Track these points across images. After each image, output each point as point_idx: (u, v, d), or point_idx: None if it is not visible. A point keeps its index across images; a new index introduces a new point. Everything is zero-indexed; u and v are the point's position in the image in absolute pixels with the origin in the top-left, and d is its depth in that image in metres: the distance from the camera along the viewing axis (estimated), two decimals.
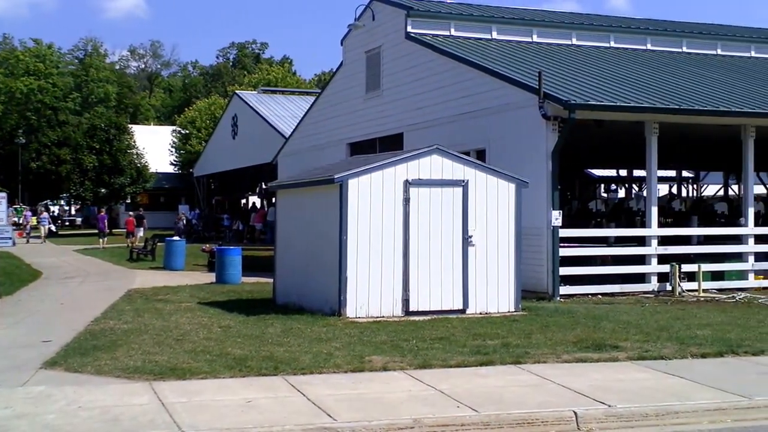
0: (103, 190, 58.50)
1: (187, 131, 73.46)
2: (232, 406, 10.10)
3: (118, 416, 9.67)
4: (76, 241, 52.44)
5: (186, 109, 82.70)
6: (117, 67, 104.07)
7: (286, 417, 9.65)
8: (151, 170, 62.90)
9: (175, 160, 74.10)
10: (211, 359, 12.73)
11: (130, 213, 51.87)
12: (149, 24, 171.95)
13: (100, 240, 46.90)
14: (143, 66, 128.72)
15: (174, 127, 78.18)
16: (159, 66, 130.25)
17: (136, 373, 11.79)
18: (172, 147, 74.37)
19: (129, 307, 19.71)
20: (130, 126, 65.38)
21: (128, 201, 64.88)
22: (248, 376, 11.68)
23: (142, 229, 46.26)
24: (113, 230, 61.06)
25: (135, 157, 60.07)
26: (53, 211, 65.85)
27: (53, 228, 58.33)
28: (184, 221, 50.99)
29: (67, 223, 70.89)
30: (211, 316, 17.91)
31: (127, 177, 58.48)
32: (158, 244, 36.89)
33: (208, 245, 36.51)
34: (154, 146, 68.84)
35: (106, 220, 49.27)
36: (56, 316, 18.81)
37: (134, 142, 61.03)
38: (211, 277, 27.32)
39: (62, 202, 74.16)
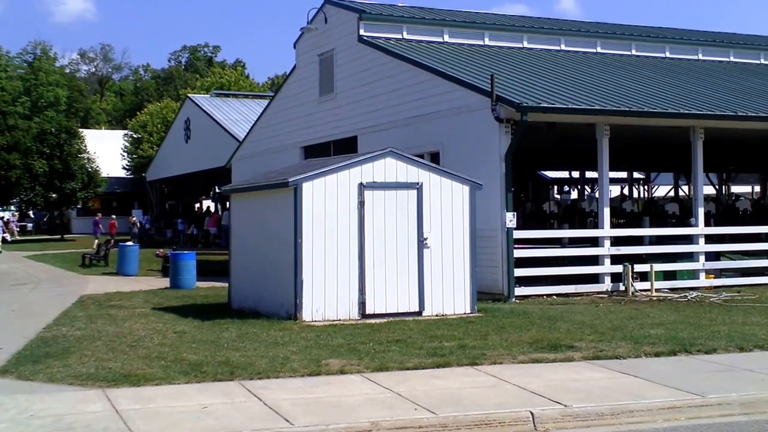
0: (54, 195, 57.72)
1: (139, 135, 72.84)
2: (187, 412, 10.01)
3: (71, 424, 9.54)
4: (28, 247, 51.65)
5: (138, 113, 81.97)
6: (67, 70, 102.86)
7: (243, 422, 9.59)
8: (102, 175, 62.22)
9: (127, 165, 73.44)
10: (165, 365, 12.61)
11: (113, 216, 51.68)
12: (99, 27, 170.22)
13: (95, 241, 46.88)
14: (94, 69, 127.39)
15: (126, 131, 77.47)
16: (110, 69, 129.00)
17: (90, 380, 11.64)
18: (123, 151, 73.69)
19: (82, 313, 19.47)
20: (80, 130, 64.58)
21: (80, 206, 64.08)
22: (204, 382, 11.59)
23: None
24: (64, 236, 60.39)
25: (86, 161, 59.35)
26: (3, 217, 64.65)
27: (8, 237, 57.52)
28: (138, 226, 50.58)
29: (17, 230, 69.80)
30: (166, 321, 17.74)
31: (78, 182, 57.75)
32: (111, 249, 36.53)
33: (161, 250, 36.22)
34: (106, 150, 68.17)
35: (100, 224, 49.31)
36: (7, 323, 18.51)
37: (85, 146, 60.33)
38: (165, 282, 27.07)
39: (12, 208, 73.08)
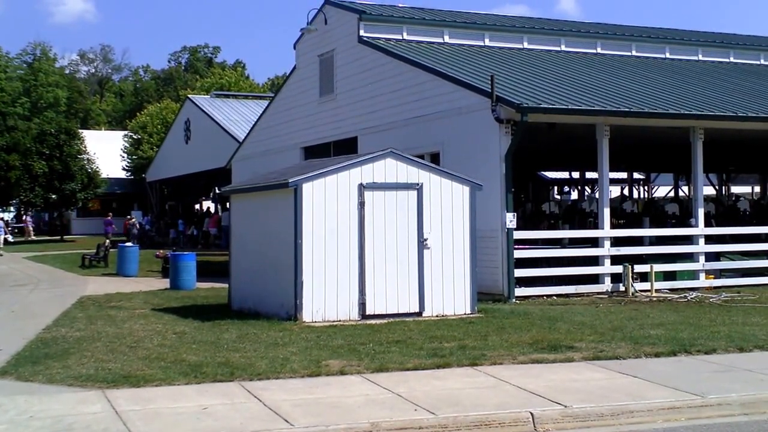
0: (53, 196, 57.67)
1: (139, 136, 72.82)
2: (187, 413, 10.01)
3: (70, 425, 9.53)
4: (28, 248, 51.61)
5: (137, 113, 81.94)
6: (67, 71, 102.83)
7: (243, 423, 9.58)
8: (102, 176, 62.17)
9: (127, 166, 73.40)
10: (165, 366, 12.61)
11: (129, 216, 51.52)
12: (99, 28, 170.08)
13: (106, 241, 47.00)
14: (93, 70, 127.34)
15: (125, 132, 77.45)
16: (110, 70, 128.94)
17: (89, 381, 11.64)
18: (123, 152, 73.68)
19: (81, 314, 19.46)
20: (80, 131, 64.53)
21: (79, 207, 63.96)
22: (204, 383, 11.58)
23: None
24: (64, 236, 60.34)
25: (86, 162, 59.29)
26: (2, 218, 64.55)
27: (9, 238, 57.46)
28: (137, 227, 50.53)
29: (17, 231, 69.76)
30: (166, 322, 17.74)
31: (77, 182, 57.67)
32: (111, 250, 36.51)
33: (161, 251, 36.20)
34: (106, 151, 68.09)
35: (113, 225, 49.35)
36: (7, 324, 18.51)
37: (85, 147, 60.28)
38: (165, 283, 27.05)
39: (12, 209, 73.08)
